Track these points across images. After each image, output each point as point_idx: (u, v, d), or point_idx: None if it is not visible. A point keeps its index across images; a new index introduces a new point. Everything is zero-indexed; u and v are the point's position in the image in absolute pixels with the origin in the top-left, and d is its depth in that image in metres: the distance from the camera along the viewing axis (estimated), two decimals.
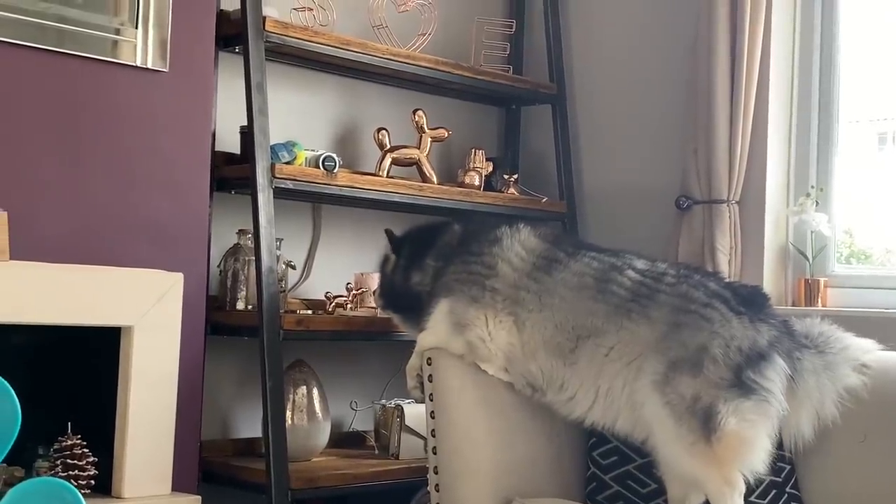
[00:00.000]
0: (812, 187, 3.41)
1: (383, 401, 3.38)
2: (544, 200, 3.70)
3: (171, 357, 2.65)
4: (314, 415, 3.11)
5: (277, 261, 3.07)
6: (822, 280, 3.35)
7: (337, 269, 3.47)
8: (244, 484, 2.98)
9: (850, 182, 3.49)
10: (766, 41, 3.35)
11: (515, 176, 3.74)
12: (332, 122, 3.53)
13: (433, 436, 2.68)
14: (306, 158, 3.15)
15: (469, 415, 2.63)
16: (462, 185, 3.60)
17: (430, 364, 2.71)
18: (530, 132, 3.98)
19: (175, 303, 2.65)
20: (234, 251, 3.10)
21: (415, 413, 3.14)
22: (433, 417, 2.69)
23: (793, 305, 3.39)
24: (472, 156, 3.66)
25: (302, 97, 3.43)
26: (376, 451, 3.31)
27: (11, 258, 2.41)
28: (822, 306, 3.31)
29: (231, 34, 3.03)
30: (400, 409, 3.24)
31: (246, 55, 2.96)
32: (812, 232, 3.38)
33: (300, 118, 3.40)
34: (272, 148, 3.00)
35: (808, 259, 3.39)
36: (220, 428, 3.24)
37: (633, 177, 3.69)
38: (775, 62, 3.40)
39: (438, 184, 3.48)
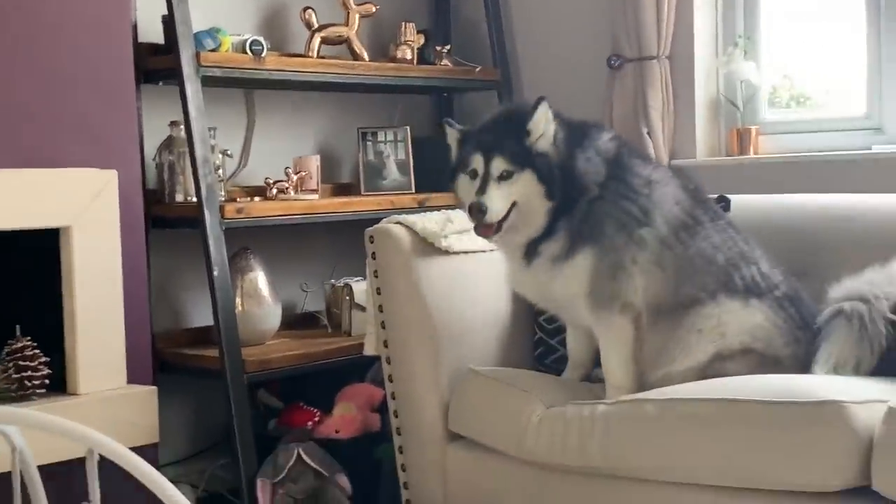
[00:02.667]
0: (739, 37, 3.42)
1: (332, 280, 3.42)
2: (478, 70, 3.69)
3: (112, 253, 2.65)
4: (263, 299, 3.14)
5: (213, 150, 3.05)
6: (753, 128, 3.38)
7: (275, 155, 3.45)
8: (200, 371, 3.04)
9: (788, 27, 3.50)
10: None
11: (448, 47, 3.72)
12: (257, 5, 3.47)
13: (380, 311, 2.72)
14: (232, 44, 3.11)
15: (414, 287, 2.66)
16: (394, 60, 3.57)
17: (372, 242, 2.73)
18: (462, 3, 3.94)
19: (111, 200, 2.64)
20: (168, 143, 3.08)
21: (364, 290, 3.17)
22: (379, 293, 2.73)
23: (726, 155, 3.44)
24: (403, 29, 3.62)
25: None
26: (329, 330, 3.36)
27: None
28: (755, 154, 3.37)
29: None
30: (349, 287, 3.28)
31: None
32: (741, 81, 3.41)
33: (223, 3, 3.34)
34: (196, 36, 2.96)
35: (738, 108, 3.42)
36: (173, 319, 3.28)
37: (564, 39, 3.68)
38: None
39: (370, 60, 3.45)
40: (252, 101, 3.43)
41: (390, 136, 3.61)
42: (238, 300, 3.08)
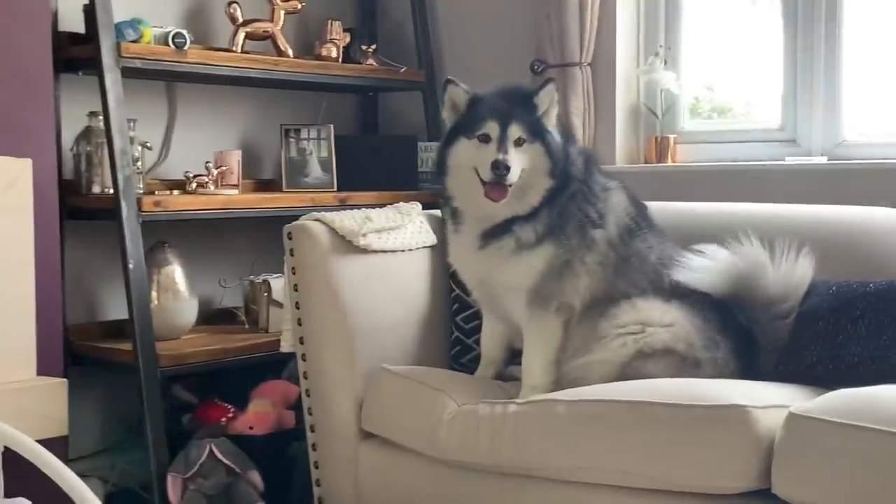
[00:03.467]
0: (661, 47, 3.47)
1: (251, 277, 3.40)
2: (403, 70, 3.70)
3: (25, 243, 2.59)
4: (179, 294, 3.12)
5: (132, 142, 3.02)
6: (671, 137, 3.44)
7: (196, 149, 3.42)
8: (113, 365, 3.00)
9: (710, 39, 3.57)
10: None
11: (374, 46, 3.72)
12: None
13: (297, 308, 2.72)
14: (154, 36, 3.07)
15: (331, 285, 2.67)
16: (320, 57, 3.56)
17: (290, 239, 2.73)
18: (388, 3, 3.95)
19: (25, 189, 2.58)
20: (87, 134, 3.04)
21: (281, 287, 3.16)
22: (296, 290, 2.72)
23: (645, 163, 3.49)
24: (329, 27, 3.62)
25: None
26: (246, 326, 3.34)
27: None
28: (672, 162, 3.43)
29: None
30: (267, 283, 3.27)
31: None
32: (662, 90, 3.47)
33: None
34: (117, 27, 2.92)
35: (657, 117, 3.48)
36: (87, 311, 3.23)
37: (489, 43, 3.71)
38: None
39: (295, 57, 3.44)
40: (174, 93, 3.40)
41: (314, 134, 3.60)
42: (154, 294, 3.05)
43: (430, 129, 3.76)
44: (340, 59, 3.60)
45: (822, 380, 2.34)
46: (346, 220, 2.76)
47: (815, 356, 2.36)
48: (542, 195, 2.45)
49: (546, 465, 2.29)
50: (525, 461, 2.31)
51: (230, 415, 3.04)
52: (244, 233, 3.56)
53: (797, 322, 2.43)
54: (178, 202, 3.02)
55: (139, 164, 3.09)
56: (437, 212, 2.99)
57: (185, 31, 3.10)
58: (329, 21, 3.63)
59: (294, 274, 2.73)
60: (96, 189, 3.03)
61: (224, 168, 3.27)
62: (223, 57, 3.21)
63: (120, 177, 2.83)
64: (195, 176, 3.20)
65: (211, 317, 3.43)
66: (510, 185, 2.38)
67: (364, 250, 2.74)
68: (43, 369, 2.67)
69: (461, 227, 2.56)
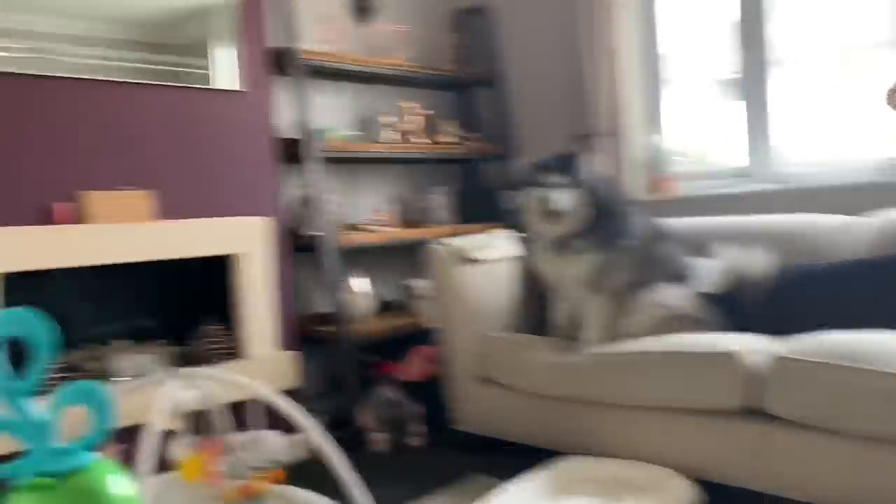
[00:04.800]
0: (654, 119, 3.34)
1: (405, 281, 3.36)
2: (493, 147, 3.64)
3: (267, 269, 2.65)
4: (362, 294, 3.11)
5: (328, 202, 3.02)
6: (667, 177, 3.29)
7: (367, 204, 3.42)
8: (327, 340, 2.98)
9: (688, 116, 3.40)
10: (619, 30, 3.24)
11: (475, 134, 3.66)
12: (353, 113, 3.43)
13: (436, 299, 2.68)
14: (338, 137, 3.08)
15: (454, 284, 2.63)
16: (442, 143, 3.51)
17: (428, 257, 2.69)
18: (481, 107, 3.88)
19: (267, 236, 2.63)
20: (302, 199, 3.05)
21: (423, 286, 3.13)
22: (434, 289, 2.69)
23: (651, 194, 3.35)
24: (447, 125, 3.57)
25: (332, 99, 3.33)
26: (403, 311, 3.31)
27: (157, 219, 2.39)
28: (670, 193, 3.27)
29: (282, 63, 2.92)
30: (413, 286, 3.24)
31: (293, 76, 2.89)
32: (658, 149, 3.33)
33: (332, 112, 3.32)
34: (315, 133, 2.93)
35: (657, 165, 3.34)
36: (310, 306, 3.22)
37: (546, 125, 3.61)
38: (626, 43, 3.29)
39: (426, 144, 3.41)
40: (352, 171, 3.39)
41: (439, 190, 3.56)
42: (349, 295, 3.05)
43: (510, 184, 3.67)
44: (455, 143, 3.55)
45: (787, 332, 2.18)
46: (462, 242, 2.71)
47: (789, 317, 2.20)
48: (582, 220, 2.36)
49: (606, 394, 2.21)
50: (593, 392, 2.23)
51: (396, 368, 3.01)
52: (399, 255, 3.52)
53: (774, 295, 2.27)
54: (359, 237, 3.02)
55: (333, 215, 3.09)
56: (517, 233, 2.92)
57: (356, 133, 3.10)
58: (446, 121, 3.59)
59: (432, 278, 2.69)
60: (310, 232, 3.03)
61: (384, 215, 3.25)
62: (380, 147, 3.20)
63: (325, 226, 2.83)
64: (367, 222, 3.20)
65: (381, 307, 3.40)
66: (559, 214, 2.32)
67: (474, 261, 2.69)
68: (283, 346, 2.69)
69: (540, 244, 2.49)
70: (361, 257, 3.30)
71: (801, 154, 3.08)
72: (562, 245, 2.39)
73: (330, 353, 3.13)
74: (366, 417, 2.77)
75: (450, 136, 3.54)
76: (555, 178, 2.36)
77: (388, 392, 2.81)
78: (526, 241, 2.66)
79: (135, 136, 2.43)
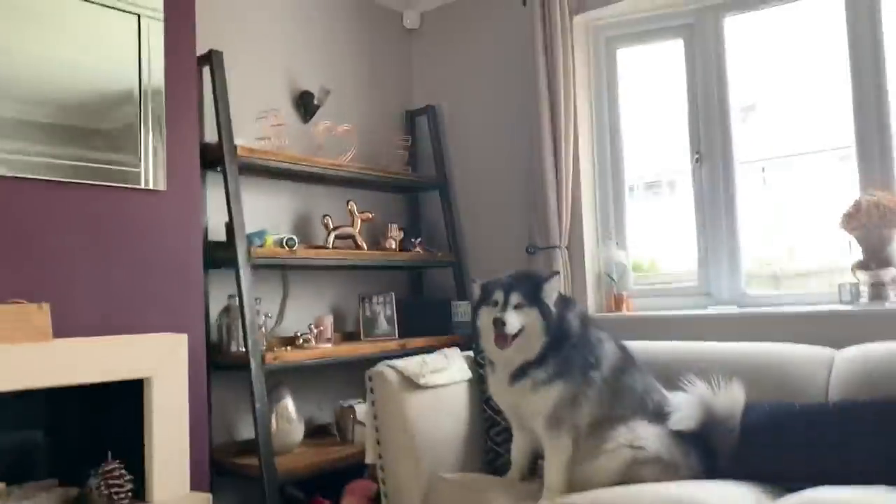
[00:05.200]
0: (611, 232, 3.21)
1: (341, 403, 3.05)
2: (439, 255, 3.43)
3: (181, 397, 2.27)
4: (291, 420, 2.76)
5: (258, 314, 2.73)
6: (624, 294, 3.14)
7: (302, 314, 3.13)
8: (245, 475, 2.60)
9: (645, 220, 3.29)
10: (576, 137, 3.15)
11: (420, 239, 3.46)
12: (291, 214, 3.19)
13: (377, 430, 2.38)
14: (273, 240, 2.82)
15: (401, 413, 2.33)
16: (384, 249, 3.31)
17: (370, 380, 2.41)
18: (427, 209, 3.71)
19: (181, 356, 2.28)
20: (227, 310, 2.74)
21: (364, 410, 2.81)
22: (376, 418, 2.38)
23: (608, 312, 3.18)
24: (389, 229, 3.37)
25: (269, 198, 3.09)
26: (338, 438, 2.97)
27: (55, 337, 2.03)
28: (628, 311, 3.12)
29: (214, 158, 2.67)
30: (352, 408, 2.92)
31: (224, 174, 2.63)
32: (615, 263, 3.19)
33: (268, 213, 3.07)
34: (248, 237, 2.66)
35: (613, 281, 3.19)
36: (228, 433, 2.86)
37: (497, 233, 3.45)
38: (583, 150, 3.20)
39: (368, 249, 3.18)
40: (287, 278, 3.11)
41: (381, 300, 3.30)
42: (273, 421, 2.70)
43: (458, 293, 3.46)
44: (398, 249, 3.34)
45: (767, 479, 1.99)
46: (410, 365, 2.44)
47: (760, 460, 2.01)
48: (542, 346, 2.14)
49: None
50: None
51: None
52: (336, 372, 3.20)
53: (743, 435, 2.08)
54: (290, 356, 2.68)
55: (263, 328, 2.79)
56: (471, 353, 2.67)
57: (294, 237, 2.85)
58: (389, 224, 3.38)
59: (374, 405, 2.39)
60: (234, 348, 2.70)
61: (321, 328, 2.96)
62: (321, 253, 2.93)
63: (249, 341, 2.53)
64: (302, 334, 2.90)
65: (312, 432, 3.06)
66: (513, 336, 2.11)
67: (424, 387, 2.41)
68: (194, 485, 2.31)
69: (495, 371, 2.25)
70: (294, 375, 2.98)
71: (761, 276, 3.00)
72: (519, 373, 2.16)
73: (251, 488, 2.75)
74: None
75: (394, 241, 3.32)
76: (513, 297, 2.15)
77: None
78: (481, 366, 2.42)
79: (30, 238, 2.10)
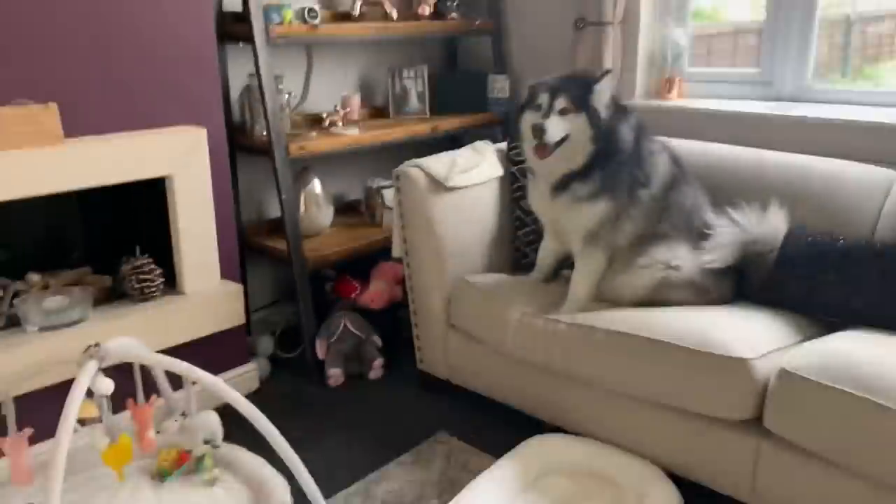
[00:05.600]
0: (671, 6, 2.86)
1: (369, 183, 3.02)
2: (478, 22, 3.13)
3: (205, 192, 2.24)
4: (319, 204, 2.76)
5: (280, 93, 2.59)
6: (677, 78, 2.89)
7: (329, 90, 2.97)
8: (277, 257, 2.67)
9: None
10: None
11: (456, 1, 3.13)
12: None
13: (403, 229, 2.37)
14: (294, 13, 2.57)
15: (427, 215, 2.30)
16: (416, 16, 3.02)
17: (398, 180, 2.34)
18: None
19: (202, 151, 2.21)
20: (248, 90, 2.60)
21: (390, 195, 2.78)
22: (402, 218, 2.37)
23: (657, 98, 2.96)
24: None
25: None
26: (367, 218, 2.99)
27: (67, 138, 1.96)
28: (679, 97, 2.89)
29: None
30: (381, 192, 2.89)
31: None
32: (671, 43, 2.89)
33: None
34: (265, 12, 2.42)
35: (667, 62, 2.91)
36: (259, 212, 2.89)
37: (542, 1, 3.10)
38: None
39: (399, 17, 2.90)
40: (310, 53, 2.89)
41: (412, 74, 3.10)
42: (302, 205, 2.71)
43: (496, 65, 3.22)
44: (432, 15, 3.05)
45: (797, 309, 1.97)
46: (438, 165, 2.35)
47: (793, 291, 1.97)
48: (587, 156, 2.00)
49: (584, 374, 1.98)
50: (569, 368, 2.01)
51: (357, 292, 2.75)
52: (365, 155, 3.12)
53: (779, 264, 2.01)
54: (317, 145, 2.56)
55: (287, 108, 2.66)
56: (504, 145, 2.56)
57: (316, 7, 2.59)
58: None
59: (400, 205, 2.36)
60: (258, 131, 2.61)
61: (349, 109, 2.83)
62: (345, 28, 2.67)
63: (273, 131, 2.42)
64: (328, 115, 2.78)
65: (343, 209, 3.08)
66: (552, 145, 1.97)
67: (452, 189, 2.34)
68: (225, 274, 2.38)
69: (536, 181, 2.16)
70: (321, 160, 2.91)
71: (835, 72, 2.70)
72: (560, 185, 2.06)
73: (284, 270, 2.85)
74: (322, 349, 2.55)
75: (427, 7, 3.02)
76: (558, 101, 1.99)
77: (347, 325, 2.57)
78: (514, 163, 2.33)
79: (28, 34, 1.92)
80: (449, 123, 2.98)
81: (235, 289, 2.33)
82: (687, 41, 2.88)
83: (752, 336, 1.79)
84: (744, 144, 2.46)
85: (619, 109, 2.07)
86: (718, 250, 2.01)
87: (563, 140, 1.98)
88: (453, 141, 3.28)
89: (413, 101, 3.10)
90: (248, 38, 2.39)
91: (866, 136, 2.35)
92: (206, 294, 2.26)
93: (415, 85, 3.09)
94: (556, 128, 1.96)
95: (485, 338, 2.21)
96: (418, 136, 2.84)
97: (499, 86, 3.18)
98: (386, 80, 3.11)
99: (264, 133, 2.55)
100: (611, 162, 2.01)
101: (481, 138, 3.20)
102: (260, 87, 2.40)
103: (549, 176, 2.07)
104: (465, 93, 3.17)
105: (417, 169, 2.33)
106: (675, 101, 2.87)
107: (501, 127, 3.20)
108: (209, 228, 2.26)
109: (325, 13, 2.80)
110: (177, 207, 2.17)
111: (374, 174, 3.09)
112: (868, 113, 2.44)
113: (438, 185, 2.32)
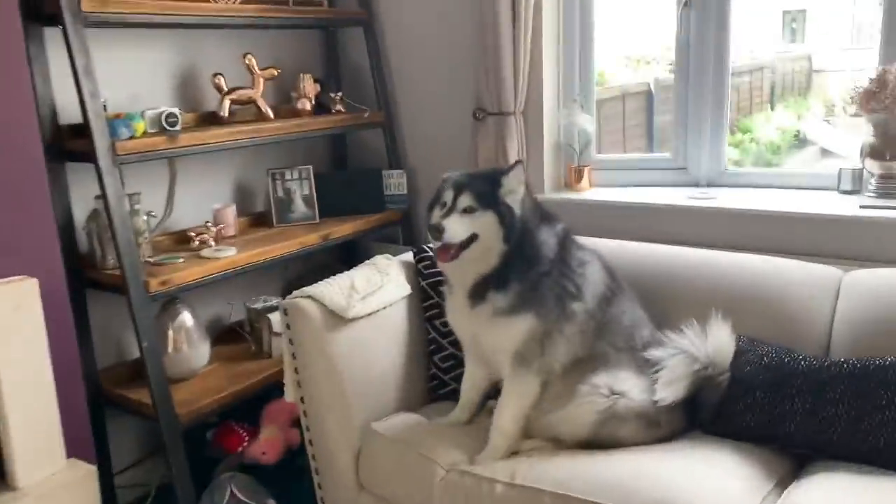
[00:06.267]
0: (576, 96, 2.70)
1: (253, 306, 2.63)
2: (367, 114, 2.86)
3: (39, 361, 1.79)
4: (192, 341, 2.34)
5: (137, 213, 2.20)
6: (586, 168, 2.72)
7: (197, 203, 2.59)
8: (141, 414, 2.23)
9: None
10: None
11: (340, 94, 2.86)
12: (172, 74, 2.52)
13: (296, 371, 2.01)
14: (148, 119, 2.21)
15: (325, 353, 1.96)
16: (296, 112, 2.72)
17: (287, 314, 1.99)
18: (348, 51, 3.05)
19: (33, 310, 1.77)
20: (95, 215, 2.19)
21: (278, 320, 2.41)
22: (294, 358, 2.00)
23: (566, 187, 2.77)
24: (302, 81, 2.76)
25: (139, 54, 2.41)
26: (253, 348, 2.60)
27: None
28: (589, 187, 2.72)
29: (50, 13, 1.97)
30: (268, 318, 2.51)
31: (66, 38, 1.94)
32: (578, 130, 2.72)
33: (139, 76, 2.41)
34: (111, 125, 2.04)
35: (575, 150, 2.74)
36: (118, 353, 2.44)
37: (437, 90, 2.88)
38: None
39: (276, 116, 2.59)
40: (173, 163, 2.50)
41: (296, 175, 2.78)
42: (169, 344, 2.29)
43: (390, 160, 2.96)
44: (313, 108, 2.76)
45: (758, 440, 1.75)
46: (334, 293, 2.02)
47: (753, 421, 1.76)
48: (500, 256, 1.76)
49: None
50: None
51: (244, 443, 2.34)
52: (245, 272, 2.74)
53: (731, 387, 1.81)
54: (183, 275, 2.17)
55: (146, 233, 2.27)
56: (410, 256, 2.27)
57: (176, 111, 2.23)
58: (301, 74, 2.76)
59: (292, 344, 2.00)
60: (110, 261, 2.18)
61: (222, 225, 2.46)
62: (211, 135, 2.31)
63: (126, 266, 2.02)
64: (197, 234, 2.40)
65: (221, 336, 2.67)
66: (455, 247, 1.73)
67: (353, 319, 2.01)
68: (73, 450, 1.92)
69: (451, 291, 1.88)
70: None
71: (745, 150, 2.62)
72: (477, 293, 1.80)
73: (152, 424, 2.40)
74: None
75: (308, 101, 2.73)
76: (463, 198, 1.75)
77: (233, 486, 2.15)
78: (423, 275, 2.05)
79: None
80: (342, 229, 2.67)
81: (86, 472, 1.87)
82: (594, 127, 2.72)
83: (720, 488, 1.54)
84: (665, 237, 2.30)
85: (536, 207, 1.85)
86: (671, 386, 1.77)
87: (470, 241, 1.74)
88: (348, 249, 2.96)
89: (299, 206, 2.77)
90: (91, 158, 2.00)
91: (797, 227, 2.22)
92: (48, 485, 1.80)
93: (300, 188, 2.77)
94: (457, 227, 1.73)
95: (405, 502, 1.85)
96: (307, 248, 2.51)
97: (395, 181, 2.92)
98: (266, 182, 2.77)
99: (114, 266, 2.13)
100: (531, 269, 1.77)
101: (381, 241, 2.93)
102: (108, 213, 2.00)
103: (461, 281, 1.82)
104: (358, 192, 2.88)
105: (310, 300, 1.99)
106: (585, 191, 2.69)
107: (402, 225, 2.92)
108: (48, 404, 1.81)
109: (190, 116, 2.46)
110: (1, 387, 1.71)
111: (256, 291, 2.71)
112: (791, 200, 2.33)
113: (336, 318, 1.98)
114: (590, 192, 2.68)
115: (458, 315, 1.88)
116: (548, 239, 1.80)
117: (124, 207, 2.03)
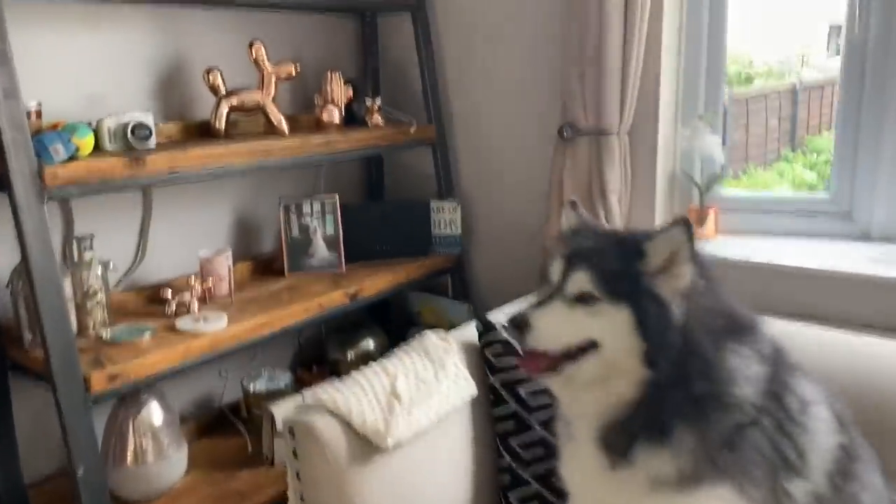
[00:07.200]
0: (701, 115, 2.00)
1: (248, 383, 1.98)
2: (413, 128, 2.18)
3: None
4: (161, 447, 1.67)
5: (87, 267, 1.55)
6: (711, 208, 2.02)
7: (179, 244, 1.93)
8: None
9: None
10: None
11: (378, 101, 2.20)
12: (148, 67, 1.86)
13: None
14: (109, 130, 1.56)
15: (341, 489, 1.29)
16: (319, 124, 2.06)
17: (293, 436, 1.33)
18: (391, 45, 2.39)
19: None
20: (22, 269, 1.53)
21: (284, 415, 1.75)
22: (302, 501, 1.34)
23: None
24: (329, 82, 2.10)
25: (99, 38, 1.75)
26: (249, 449, 1.92)
27: None
28: (715, 234, 2.02)
29: None
30: (271, 416, 1.83)
31: None
32: (702, 157, 2.02)
33: (101, 69, 1.75)
34: (39, 143, 1.38)
35: (697, 185, 2.04)
36: (56, 459, 1.77)
37: (507, 99, 2.20)
38: None
39: (291, 130, 1.93)
40: (147, 192, 1.85)
41: (317, 208, 2.11)
42: (129, 455, 1.63)
43: (441, 187, 2.29)
44: (343, 121, 2.10)
45: None
46: (368, 409, 1.34)
47: None
48: (636, 390, 1.05)
49: None
50: None
51: None
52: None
53: None
54: (143, 366, 1.49)
55: (98, 295, 1.60)
56: (473, 332, 1.60)
57: (149, 120, 1.58)
58: (328, 73, 2.11)
59: (299, 480, 1.33)
60: (34, 348, 1.52)
61: (210, 281, 1.79)
62: (201, 155, 1.63)
63: (53, 344, 1.36)
64: (174, 295, 1.73)
65: (206, 424, 2.00)
66: (561, 358, 1.06)
67: (392, 448, 1.34)
68: None
69: (569, 426, 1.17)
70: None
71: None
72: (615, 443, 1.08)
73: None
74: None
75: (336, 109, 2.08)
76: (577, 276, 1.07)
77: None
78: (506, 383, 1.36)
79: None
80: (375, 283, 2.01)
81: None
82: (724, 154, 2.02)
83: None
84: (836, 317, 1.60)
85: (719, 302, 1.11)
86: None
87: (584, 350, 1.06)
88: (382, 310, 2.29)
89: (320, 250, 2.10)
90: (5, 187, 1.35)
91: None
92: None
93: (321, 225, 2.10)
94: (554, 324, 1.06)
95: None
96: (330, 310, 1.85)
97: (446, 217, 2.25)
98: (276, 217, 2.10)
99: (42, 349, 1.46)
100: (721, 422, 1.04)
101: (423, 291, 2.27)
102: (27, 271, 1.34)
103: (582, 413, 1.12)
104: (398, 231, 2.23)
105: (329, 417, 1.32)
106: (711, 240, 1.99)
107: (452, 273, 2.26)
108: None
109: (172, 127, 1.80)
110: None
111: (254, 364, 2.05)
112: None
113: (369, 446, 1.32)
114: (718, 243, 1.98)
115: (581, 475, 1.16)
116: (745, 366, 1.06)
117: (53, 261, 1.37)
